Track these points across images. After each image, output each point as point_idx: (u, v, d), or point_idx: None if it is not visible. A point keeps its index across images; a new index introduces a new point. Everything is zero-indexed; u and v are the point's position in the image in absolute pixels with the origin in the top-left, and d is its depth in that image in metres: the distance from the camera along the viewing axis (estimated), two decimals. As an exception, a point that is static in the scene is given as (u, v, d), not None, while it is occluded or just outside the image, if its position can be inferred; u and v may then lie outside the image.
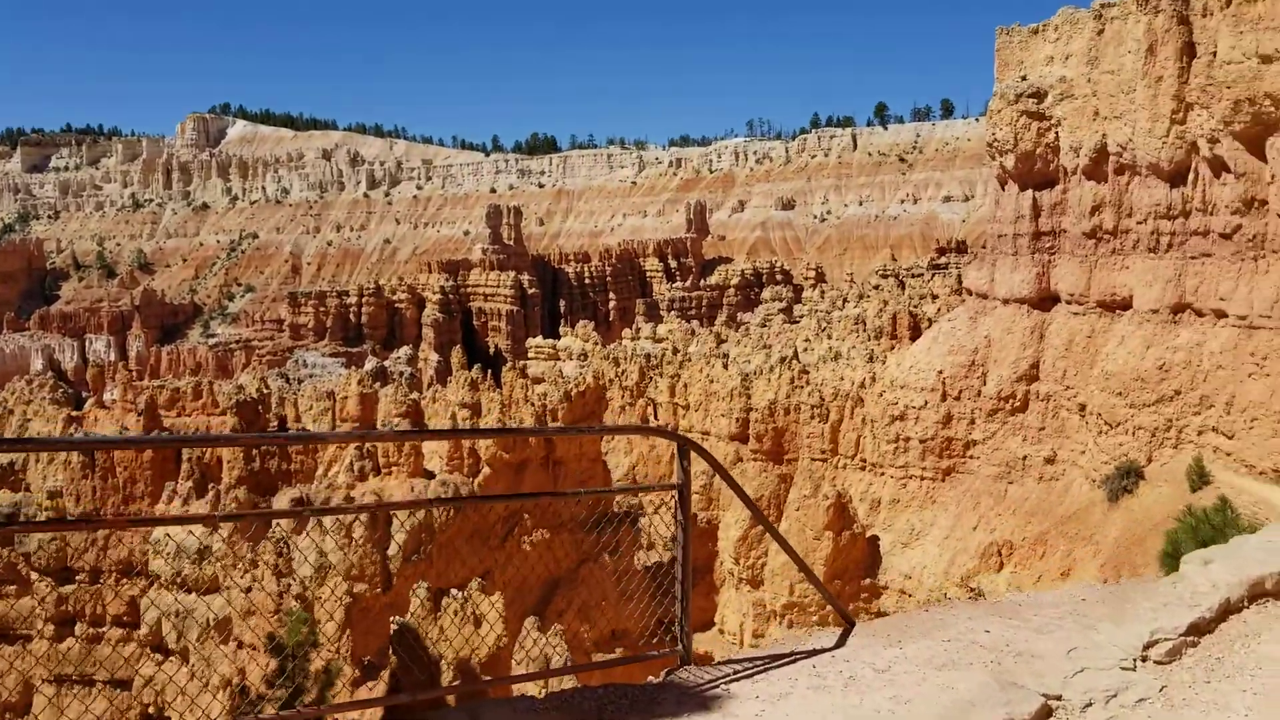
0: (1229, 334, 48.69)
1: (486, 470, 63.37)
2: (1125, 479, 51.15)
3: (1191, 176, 51.45)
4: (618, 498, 63.66)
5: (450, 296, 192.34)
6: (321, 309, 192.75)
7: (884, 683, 6.80)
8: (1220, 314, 49.42)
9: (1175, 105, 50.95)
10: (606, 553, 66.11)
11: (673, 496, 6.64)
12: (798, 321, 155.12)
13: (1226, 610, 4.42)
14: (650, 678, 6.92)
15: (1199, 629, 5.42)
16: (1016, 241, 60.17)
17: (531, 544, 62.06)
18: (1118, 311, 55.71)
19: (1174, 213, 52.31)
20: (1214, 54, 48.29)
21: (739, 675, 6.82)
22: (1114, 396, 53.11)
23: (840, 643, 7.22)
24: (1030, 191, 59.92)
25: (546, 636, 43.25)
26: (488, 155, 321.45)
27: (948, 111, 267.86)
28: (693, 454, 6.52)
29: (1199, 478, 47.40)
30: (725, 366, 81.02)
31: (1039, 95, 59.05)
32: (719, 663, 7.05)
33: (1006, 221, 60.98)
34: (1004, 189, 61.80)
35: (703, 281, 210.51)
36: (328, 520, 50.32)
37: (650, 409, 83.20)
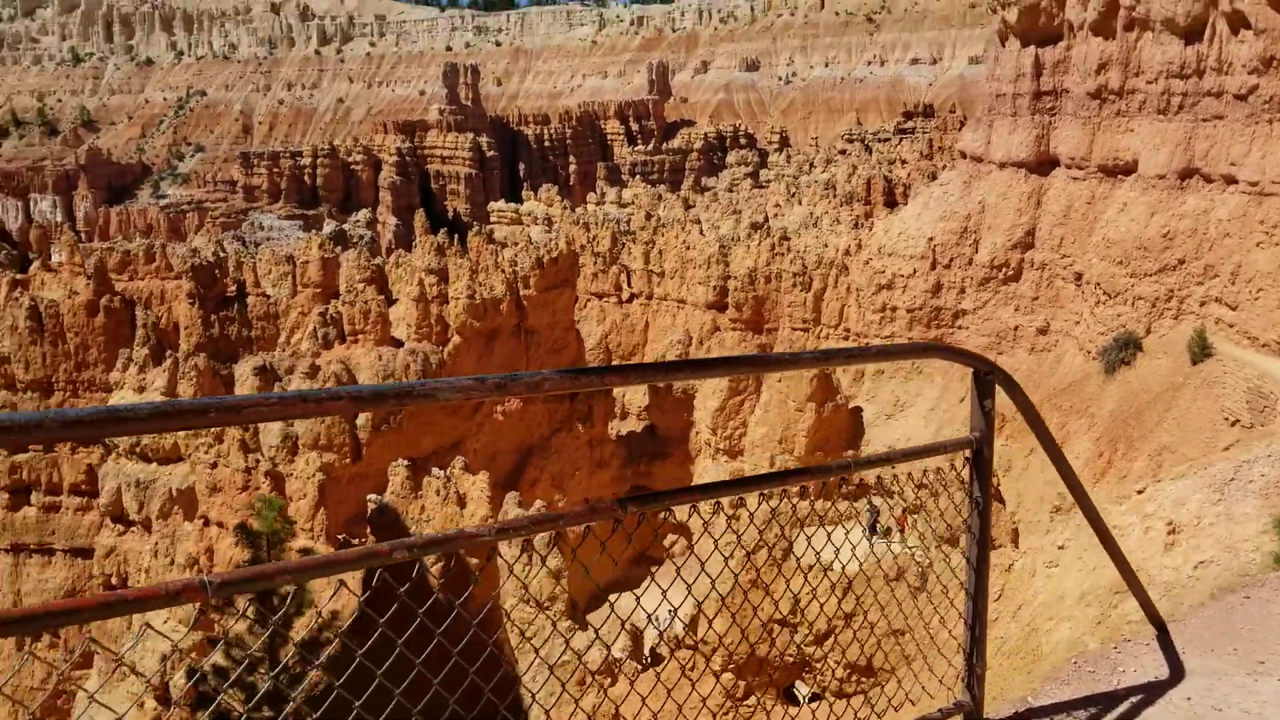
0: (1238, 201, 46.63)
1: (456, 339, 60.87)
2: (1123, 350, 49.61)
3: (1208, 33, 48.54)
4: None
5: (407, 159, 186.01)
6: (275, 170, 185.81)
7: None
8: (1230, 180, 47.23)
9: (1197, -46, 47.75)
10: (579, 421, 64.38)
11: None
12: (765, 186, 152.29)
13: None
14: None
15: None
16: (1015, 102, 57.21)
17: (504, 413, 60.03)
18: (1120, 177, 53.34)
19: (1187, 72, 49.54)
20: (1243, -103, 44.98)
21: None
22: (1114, 265, 51.20)
23: (1172, 668, 4.65)
24: (1032, 48, 56.70)
25: (528, 513, 41.56)
26: (443, 11, 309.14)
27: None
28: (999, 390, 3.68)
29: (1200, 349, 45.88)
30: (702, 233, 78.27)
31: (1047, -57, 55.42)
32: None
33: (1005, 80, 57.90)
34: (1004, 45, 58.54)
35: (665, 145, 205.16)
36: (295, 385, 47.98)
37: (624, 276, 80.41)
